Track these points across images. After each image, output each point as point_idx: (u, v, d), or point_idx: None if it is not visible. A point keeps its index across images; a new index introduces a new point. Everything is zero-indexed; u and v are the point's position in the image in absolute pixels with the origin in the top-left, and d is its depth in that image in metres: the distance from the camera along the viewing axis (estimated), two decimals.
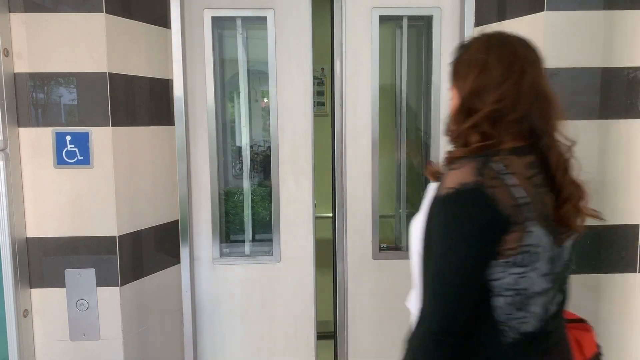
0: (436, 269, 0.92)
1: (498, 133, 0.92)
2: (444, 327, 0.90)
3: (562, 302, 1.02)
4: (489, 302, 0.91)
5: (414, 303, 1.06)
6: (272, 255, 1.77)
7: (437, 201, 0.92)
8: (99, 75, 1.42)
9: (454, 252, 0.90)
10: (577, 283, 1.50)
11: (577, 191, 0.96)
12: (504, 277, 0.89)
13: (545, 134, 0.93)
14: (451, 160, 0.94)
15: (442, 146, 1.72)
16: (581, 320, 1.19)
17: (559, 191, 0.93)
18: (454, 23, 1.69)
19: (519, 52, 0.95)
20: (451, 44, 1.65)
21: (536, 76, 0.95)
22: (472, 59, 0.97)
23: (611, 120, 1.46)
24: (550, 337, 0.98)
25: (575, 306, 1.50)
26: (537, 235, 0.89)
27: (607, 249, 1.49)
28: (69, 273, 1.47)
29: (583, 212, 0.96)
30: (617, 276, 1.50)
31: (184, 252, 1.68)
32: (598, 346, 1.17)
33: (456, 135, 0.96)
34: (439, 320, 0.90)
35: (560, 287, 0.99)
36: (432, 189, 0.97)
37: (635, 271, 1.50)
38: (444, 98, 1.71)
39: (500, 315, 0.92)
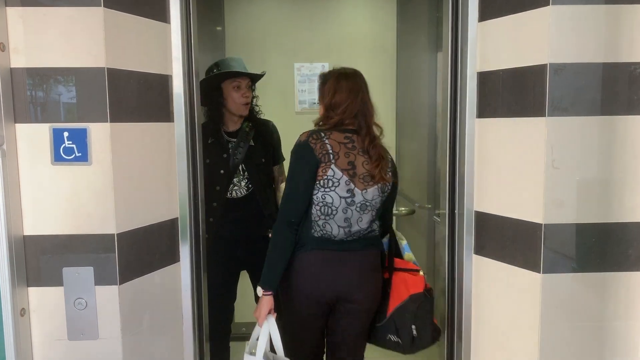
0: (285, 187, 1.78)
1: (337, 124, 1.79)
2: (284, 219, 1.75)
3: (369, 230, 1.80)
4: (312, 209, 1.74)
5: None
6: None
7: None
8: (97, 71, 1.39)
9: (293, 176, 1.75)
10: (582, 281, 1.49)
11: (378, 158, 1.76)
12: (317, 193, 1.72)
13: (363, 128, 1.77)
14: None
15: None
16: (415, 270, 1.88)
17: (370, 156, 1.75)
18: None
19: (357, 83, 1.82)
20: None
21: (363, 96, 1.80)
22: (330, 86, 1.81)
23: (617, 116, 1.44)
24: (349, 244, 1.78)
25: (579, 304, 1.49)
26: (335, 172, 1.70)
27: (612, 247, 1.48)
28: (67, 271, 1.45)
29: (383, 170, 1.76)
30: (623, 274, 1.48)
31: (184, 251, 1.67)
32: (426, 287, 1.85)
33: (322, 125, 1.82)
34: (282, 215, 1.76)
35: (366, 218, 1.77)
36: None
37: None
38: None
39: (314, 218, 1.75)
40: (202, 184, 1.76)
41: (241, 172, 2.38)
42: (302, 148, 1.73)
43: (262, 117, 2.53)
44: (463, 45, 1.64)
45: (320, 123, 1.83)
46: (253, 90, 2.44)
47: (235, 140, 2.38)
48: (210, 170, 2.30)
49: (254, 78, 2.41)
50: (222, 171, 2.34)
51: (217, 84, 2.32)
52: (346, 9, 3.45)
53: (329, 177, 1.69)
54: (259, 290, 1.76)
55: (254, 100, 2.46)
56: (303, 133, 1.76)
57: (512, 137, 1.53)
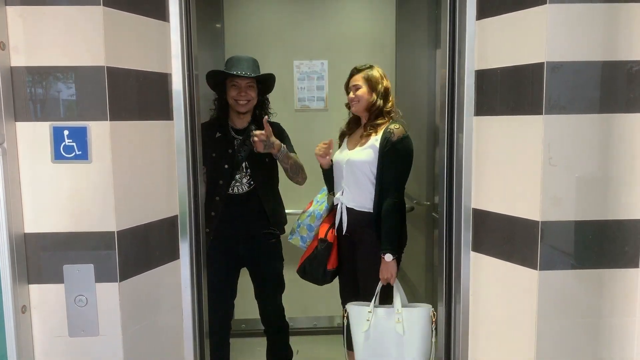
0: (398, 174, 2.18)
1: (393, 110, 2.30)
2: (400, 198, 2.19)
3: None
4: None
5: (346, 196, 2.27)
6: None
7: (392, 143, 2.14)
8: (97, 69, 1.40)
9: (407, 165, 2.21)
10: (579, 278, 1.50)
11: None
12: None
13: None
14: (381, 125, 2.23)
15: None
16: None
17: None
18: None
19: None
20: None
21: None
22: (379, 76, 2.26)
23: (614, 114, 1.44)
24: None
25: (576, 301, 1.51)
26: None
27: (609, 244, 1.48)
28: (68, 269, 1.46)
29: None
30: (619, 271, 1.49)
31: (184, 248, 1.68)
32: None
33: (379, 111, 2.24)
34: (399, 196, 2.19)
35: None
36: (372, 141, 2.20)
37: (637, 266, 1.49)
38: None
39: None
40: (202, 181, 1.76)
41: (244, 169, 2.39)
42: (409, 141, 2.18)
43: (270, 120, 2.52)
44: (461, 44, 1.64)
45: (372, 109, 2.25)
46: (264, 90, 2.46)
47: (241, 137, 2.40)
48: (215, 164, 2.32)
49: (258, 79, 2.41)
50: (226, 166, 2.35)
51: (222, 79, 2.35)
52: (345, 6, 3.45)
53: None
54: (390, 257, 2.10)
55: (267, 102, 2.49)
56: (396, 127, 2.16)
57: (509, 135, 1.54)
